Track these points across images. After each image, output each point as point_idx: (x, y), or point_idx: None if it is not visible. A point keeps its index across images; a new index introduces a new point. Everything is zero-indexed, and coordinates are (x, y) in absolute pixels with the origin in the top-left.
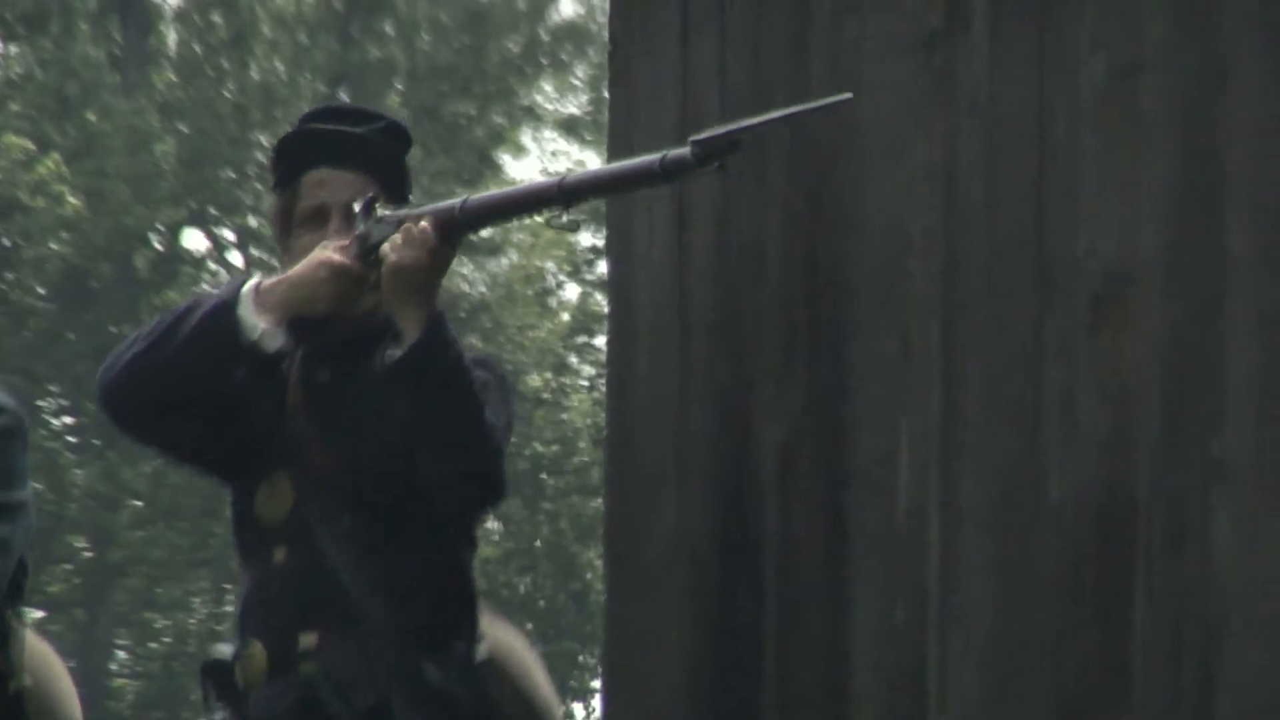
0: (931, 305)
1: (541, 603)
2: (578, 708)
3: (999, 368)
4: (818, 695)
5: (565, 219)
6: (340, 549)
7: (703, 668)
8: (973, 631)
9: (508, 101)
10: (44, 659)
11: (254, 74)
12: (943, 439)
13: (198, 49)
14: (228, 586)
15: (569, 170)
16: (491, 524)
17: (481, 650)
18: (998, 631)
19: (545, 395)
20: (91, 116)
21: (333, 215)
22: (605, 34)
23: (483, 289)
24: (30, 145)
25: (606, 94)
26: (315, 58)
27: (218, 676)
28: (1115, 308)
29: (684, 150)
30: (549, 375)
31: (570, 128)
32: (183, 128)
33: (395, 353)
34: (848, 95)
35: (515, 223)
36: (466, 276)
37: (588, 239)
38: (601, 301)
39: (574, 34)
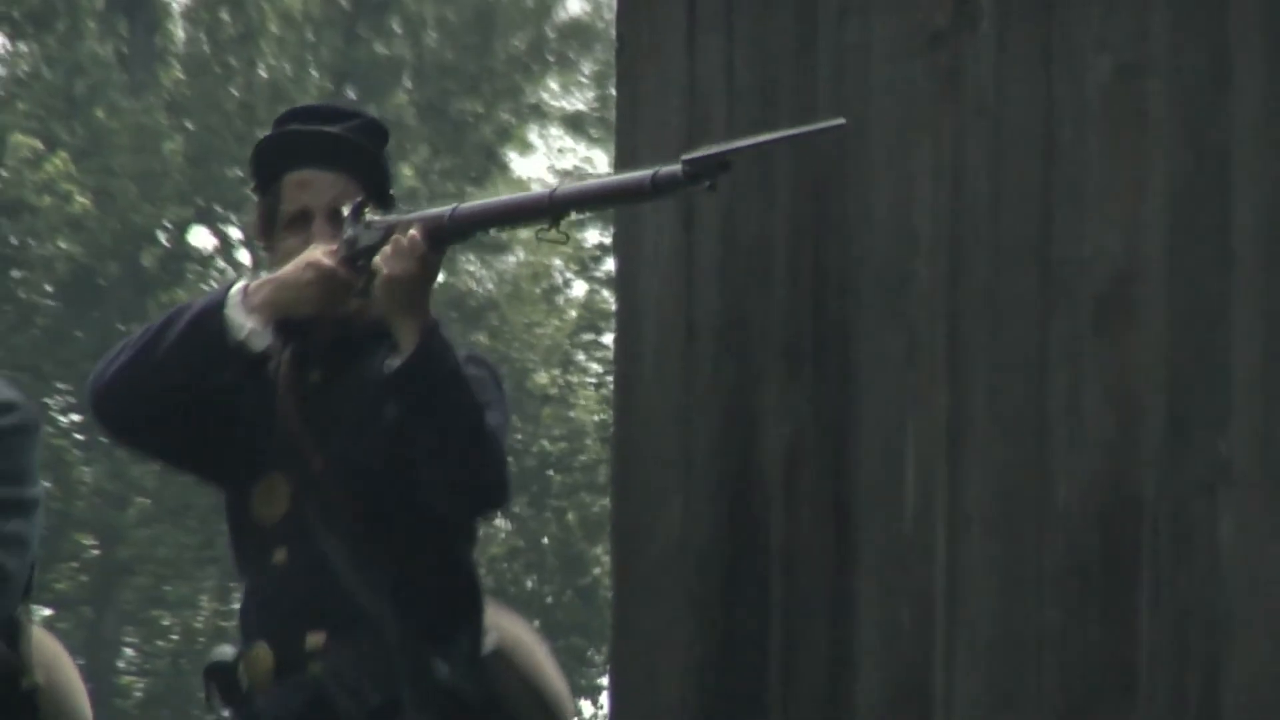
0: (937, 307)
1: (549, 599)
2: (586, 705)
3: (1004, 369)
4: (822, 696)
5: (555, 231)
6: (340, 548)
7: (708, 668)
8: (978, 633)
9: (514, 99)
10: (55, 656)
11: (261, 72)
12: (948, 440)
13: (205, 47)
14: (235, 585)
15: (560, 182)
16: (498, 521)
17: (489, 643)
18: (1003, 633)
19: (552, 392)
20: (99, 115)
21: (316, 217)
22: (611, 31)
23: (490, 286)
24: (38, 144)
25: (613, 91)
26: (322, 55)
27: (221, 678)
28: (1121, 309)
29: (675, 168)
30: (556, 372)
31: (576, 125)
32: (189, 125)
33: (394, 362)
34: (840, 121)
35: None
36: (474, 274)
37: (594, 236)
38: (608, 299)
39: (580, 31)
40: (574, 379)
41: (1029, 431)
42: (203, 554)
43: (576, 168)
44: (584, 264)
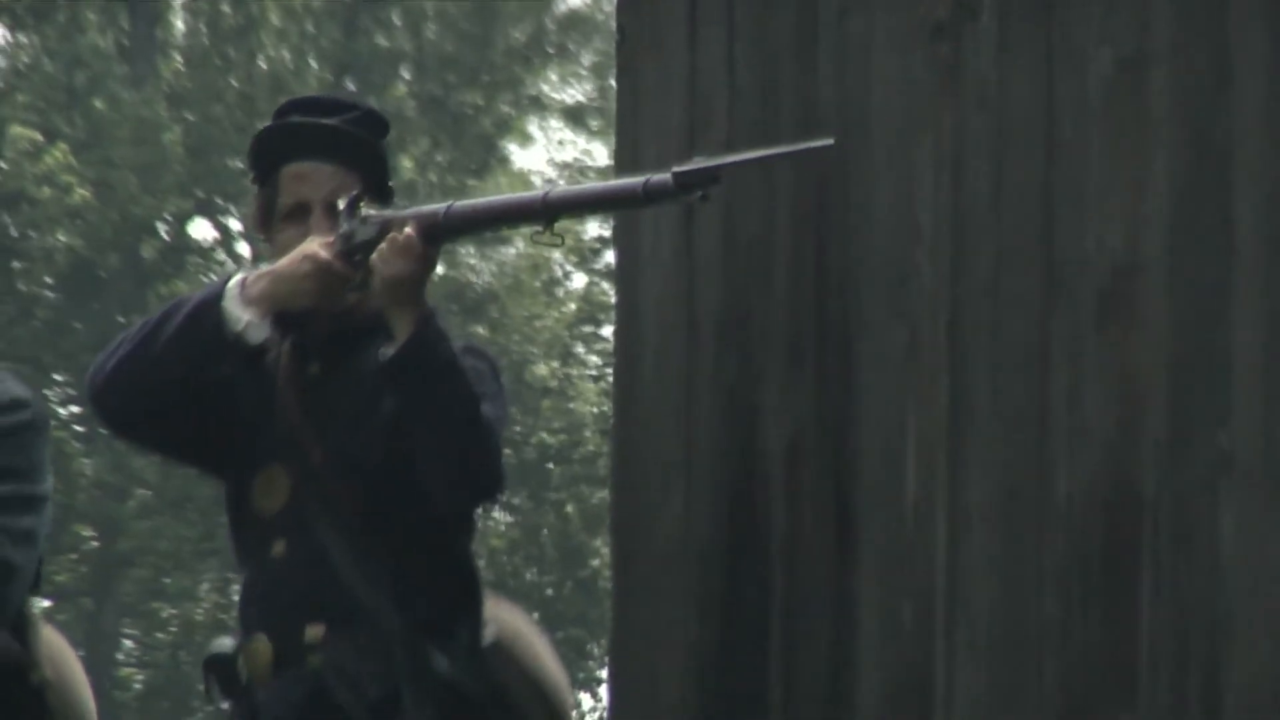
0: (939, 301)
1: (548, 591)
2: (585, 698)
3: (1006, 364)
4: (823, 692)
5: (549, 234)
6: (339, 541)
7: (709, 663)
8: (979, 629)
9: (514, 91)
10: (61, 652)
11: (261, 63)
12: (950, 435)
13: (205, 39)
14: (234, 577)
15: (553, 185)
16: (497, 514)
17: (488, 635)
18: (1004, 629)
19: (552, 385)
20: (99, 106)
21: (314, 209)
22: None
23: (489, 279)
24: (38, 136)
25: (612, 83)
26: (322, 47)
27: (220, 670)
28: (1122, 304)
29: (666, 177)
30: (556, 365)
31: (576, 117)
32: (189, 116)
33: (388, 351)
34: (829, 141)
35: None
36: (473, 266)
37: (594, 229)
38: (608, 291)
39: (580, 23)
40: (573, 371)
41: (1030, 428)
42: (203, 546)
43: (576, 160)
44: (584, 256)
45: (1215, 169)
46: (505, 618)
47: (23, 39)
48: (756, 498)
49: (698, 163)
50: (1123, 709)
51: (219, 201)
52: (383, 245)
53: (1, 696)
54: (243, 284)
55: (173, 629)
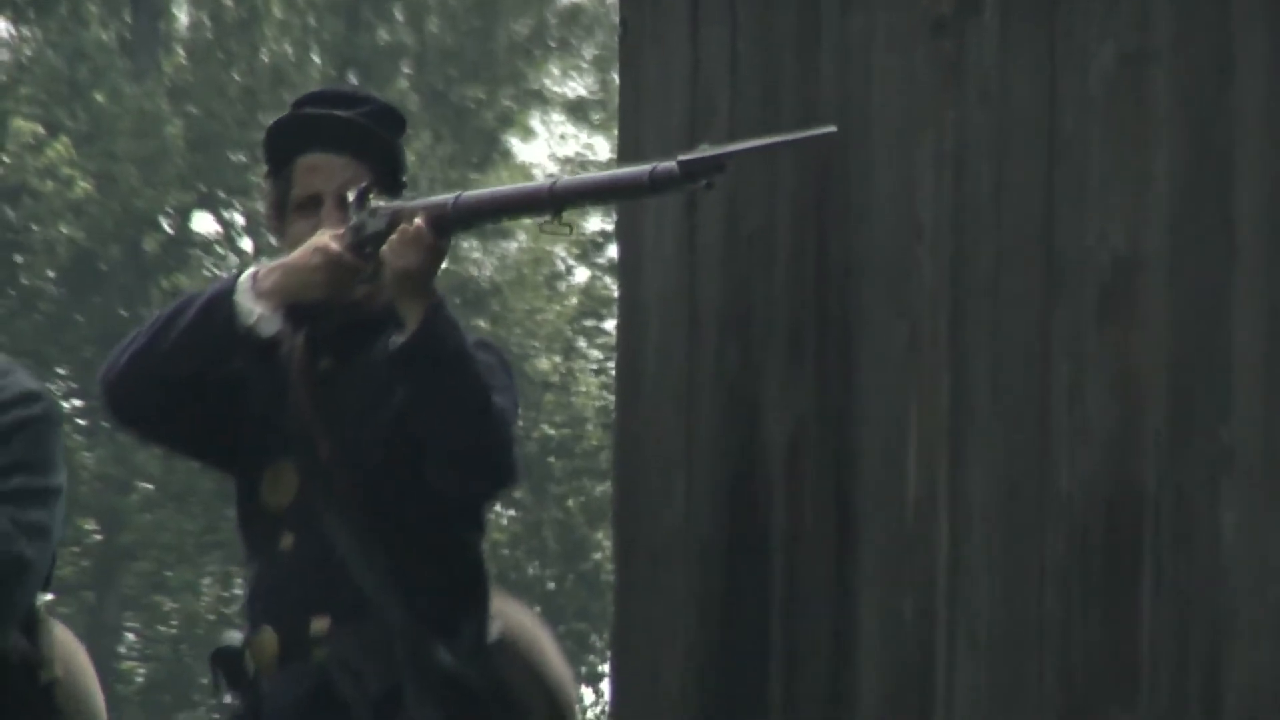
0: (940, 296)
1: (551, 585)
2: (588, 692)
3: (1007, 359)
4: (823, 687)
5: (558, 223)
6: (348, 535)
7: (710, 657)
8: (979, 625)
9: (516, 85)
10: (72, 650)
11: (264, 57)
12: (951, 430)
13: (208, 32)
14: (237, 570)
15: (559, 175)
16: (500, 507)
17: (493, 631)
18: (1005, 625)
19: (554, 379)
20: (101, 99)
21: (326, 202)
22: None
23: (491, 272)
24: (40, 129)
25: (614, 76)
26: (325, 41)
27: (227, 664)
28: (1123, 299)
29: (672, 165)
30: (558, 359)
31: (578, 111)
32: (192, 110)
33: (398, 339)
34: (832, 128)
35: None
36: (476, 260)
37: (596, 223)
38: (610, 285)
39: (581, 16)
40: (575, 365)
41: (1031, 422)
42: (205, 539)
43: (578, 154)
44: (585, 250)
45: (1216, 166)
46: (510, 613)
47: (25, 32)
48: (757, 493)
49: (703, 151)
50: (1123, 707)
51: (221, 195)
52: (393, 237)
53: (11, 694)
54: (254, 277)
55: (174, 622)
